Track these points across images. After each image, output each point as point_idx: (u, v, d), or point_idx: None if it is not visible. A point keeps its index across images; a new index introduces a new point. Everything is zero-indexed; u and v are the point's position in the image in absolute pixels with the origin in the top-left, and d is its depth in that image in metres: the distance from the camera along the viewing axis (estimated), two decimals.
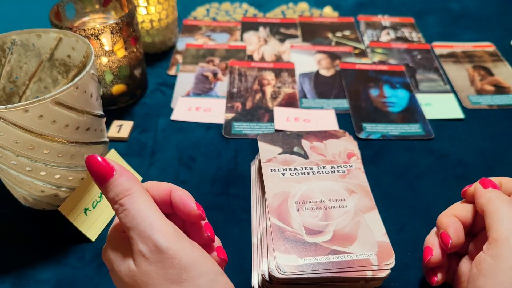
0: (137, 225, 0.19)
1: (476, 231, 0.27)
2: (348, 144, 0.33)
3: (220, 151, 0.39)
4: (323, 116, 0.43)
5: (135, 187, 0.20)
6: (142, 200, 0.20)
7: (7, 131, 0.26)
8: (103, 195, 0.33)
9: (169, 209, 0.22)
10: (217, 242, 0.24)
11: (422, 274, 0.29)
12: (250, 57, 0.52)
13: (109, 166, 0.20)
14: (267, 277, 0.25)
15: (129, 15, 0.39)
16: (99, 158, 0.20)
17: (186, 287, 0.19)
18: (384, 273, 0.25)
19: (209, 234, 0.23)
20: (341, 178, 0.30)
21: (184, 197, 0.22)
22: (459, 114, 0.43)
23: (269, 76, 0.48)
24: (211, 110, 0.43)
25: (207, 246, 0.23)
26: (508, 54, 0.52)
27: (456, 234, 0.25)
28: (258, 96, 0.45)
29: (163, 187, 0.22)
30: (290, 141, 0.33)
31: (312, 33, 0.56)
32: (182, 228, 0.22)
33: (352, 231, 0.27)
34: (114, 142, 0.39)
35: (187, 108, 0.44)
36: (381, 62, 0.51)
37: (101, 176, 0.20)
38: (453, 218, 0.26)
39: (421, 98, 0.45)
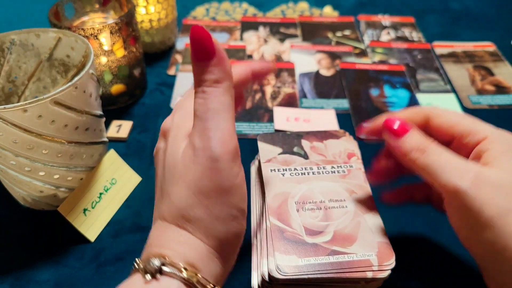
0: (206, 119, 0.18)
1: None
2: (348, 144, 0.33)
3: None
4: (323, 116, 0.42)
5: (225, 84, 0.18)
6: (225, 99, 0.18)
7: (6, 131, 0.26)
8: (102, 195, 0.32)
9: (247, 83, 0.23)
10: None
11: (423, 274, 0.29)
12: (250, 57, 0.51)
13: (212, 47, 0.18)
14: (267, 278, 0.25)
15: (128, 15, 0.39)
16: (206, 32, 0.18)
17: (206, 204, 0.17)
18: (385, 274, 0.25)
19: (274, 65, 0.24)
20: (341, 179, 0.30)
21: (261, 62, 0.23)
22: None
23: (269, 76, 0.48)
24: None
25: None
26: (508, 54, 0.52)
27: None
28: (257, 96, 0.45)
29: (241, 69, 0.23)
30: (290, 141, 0.33)
31: (312, 32, 0.56)
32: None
33: (352, 232, 0.27)
34: (114, 142, 0.39)
35: None
36: (382, 62, 0.51)
37: (200, 52, 0.18)
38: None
39: (421, 98, 0.45)
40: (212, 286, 0.17)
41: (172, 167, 0.19)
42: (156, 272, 0.17)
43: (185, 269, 0.17)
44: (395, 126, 0.23)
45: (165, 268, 0.17)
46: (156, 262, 0.17)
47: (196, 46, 0.18)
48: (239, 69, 0.22)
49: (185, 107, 0.21)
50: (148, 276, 0.17)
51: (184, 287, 0.17)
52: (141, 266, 0.17)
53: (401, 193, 0.28)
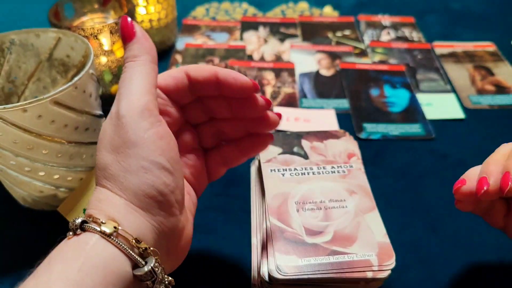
0: (121, 87, 0.20)
1: None
2: (348, 144, 0.33)
3: None
4: (323, 116, 0.42)
5: (143, 57, 0.21)
6: (140, 69, 0.21)
7: (6, 131, 0.26)
8: None
9: (214, 90, 0.23)
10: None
11: (423, 274, 0.29)
12: (250, 57, 0.51)
13: (132, 30, 0.21)
14: (267, 278, 0.25)
15: (128, 15, 0.39)
16: (129, 20, 0.21)
17: (117, 159, 0.19)
18: (385, 274, 0.25)
19: (264, 100, 0.23)
20: (342, 179, 0.30)
21: (232, 72, 0.22)
22: (460, 114, 0.43)
23: (269, 76, 0.48)
24: None
25: (260, 119, 0.24)
26: (509, 54, 0.52)
27: (496, 182, 0.22)
28: None
29: (207, 68, 0.23)
30: (290, 141, 0.33)
31: (312, 32, 0.56)
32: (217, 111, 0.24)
33: (352, 232, 0.27)
34: None
35: None
36: (382, 62, 0.51)
37: (123, 36, 0.21)
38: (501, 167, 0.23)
39: (421, 98, 0.45)
40: (133, 238, 0.18)
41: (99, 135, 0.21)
42: (77, 228, 0.18)
43: (103, 223, 0.18)
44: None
45: (85, 225, 0.18)
46: (78, 220, 0.18)
47: (121, 32, 0.21)
48: (202, 68, 0.23)
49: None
50: (70, 233, 0.18)
51: (103, 240, 0.17)
52: (69, 224, 0.18)
53: (480, 203, 0.26)
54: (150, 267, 0.18)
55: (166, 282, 0.19)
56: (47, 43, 0.33)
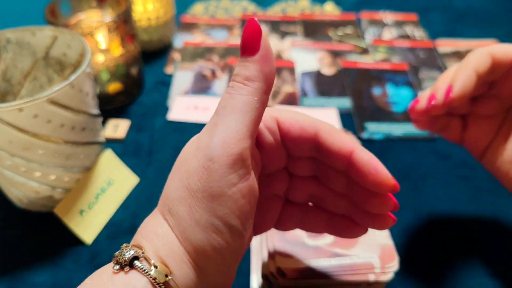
0: (220, 113, 0.17)
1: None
2: None
3: None
4: (324, 115, 0.42)
5: (256, 84, 0.17)
6: (248, 99, 0.16)
7: (1, 131, 0.25)
8: (99, 196, 0.32)
9: (304, 151, 0.19)
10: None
11: (426, 277, 0.29)
12: None
13: (257, 43, 0.16)
14: (267, 281, 0.25)
15: (126, 13, 0.38)
16: (257, 28, 0.17)
17: (190, 203, 0.16)
18: (387, 277, 0.24)
19: (393, 203, 0.19)
20: None
21: (373, 159, 0.18)
22: None
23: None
24: (209, 109, 0.43)
25: (380, 216, 0.19)
26: None
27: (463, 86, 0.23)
28: None
29: (307, 121, 0.19)
30: None
31: (313, 30, 0.55)
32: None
33: None
34: (111, 142, 0.39)
35: (185, 107, 0.43)
36: (384, 61, 0.50)
37: (243, 46, 0.17)
38: (471, 72, 0.23)
39: None
40: None
41: (180, 155, 0.18)
42: (126, 265, 0.16)
43: (156, 266, 0.16)
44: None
45: (136, 263, 0.16)
46: (128, 254, 0.16)
47: (243, 39, 0.17)
48: (338, 139, 0.19)
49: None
50: (116, 267, 0.16)
51: (150, 287, 0.16)
52: (116, 254, 0.16)
53: (437, 119, 0.26)
54: None
55: None
56: (44, 42, 0.32)
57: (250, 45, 0.17)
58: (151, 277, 0.15)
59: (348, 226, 0.21)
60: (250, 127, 0.17)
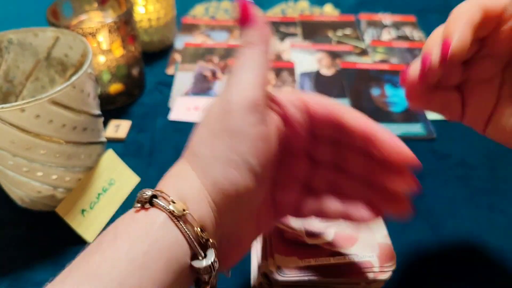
0: (233, 73, 0.19)
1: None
2: None
3: None
4: None
5: (259, 46, 0.19)
6: (254, 58, 0.19)
7: (3, 131, 0.25)
8: (100, 196, 0.32)
9: (328, 131, 0.21)
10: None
11: (424, 276, 0.29)
12: None
13: (251, 14, 0.20)
14: (267, 279, 0.25)
15: (127, 14, 0.39)
16: (251, 7, 0.20)
17: (212, 143, 0.18)
18: (386, 275, 0.25)
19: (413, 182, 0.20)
20: None
21: (393, 136, 0.20)
22: None
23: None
24: None
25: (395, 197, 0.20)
26: None
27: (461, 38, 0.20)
28: None
29: (332, 103, 0.21)
30: None
31: (312, 31, 0.56)
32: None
33: (353, 233, 0.26)
34: (112, 142, 0.39)
35: (186, 107, 0.43)
36: (383, 61, 0.50)
37: (241, 18, 0.20)
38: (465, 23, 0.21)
39: None
40: (198, 225, 0.17)
41: (203, 113, 0.20)
42: (146, 202, 0.17)
43: (174, 202, 0.17)
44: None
45: (156, 200, 0.17)
46: (148, 192, 0.17)
47: (240, 13, 0.20)
48: (356, 116, 0.21)
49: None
50: (138, 205, 0.17)
51: (170, 221, 0.17)
52: (137, 196, 0.18)
53: (434, 94, 0.23)
54: (210, 262, 0.17)
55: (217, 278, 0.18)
56: (45, 42, 0.32)
57: (245, 16, 0.20)
58: (170, 212, 0.17)
59: (364, 212, 0.22)
60: (259, 79, 0.19)
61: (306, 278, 0.24)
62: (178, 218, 0.17)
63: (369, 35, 0.55)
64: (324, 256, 0.25)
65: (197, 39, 0.54)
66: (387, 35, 0.55)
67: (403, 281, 0.28)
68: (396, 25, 0.57)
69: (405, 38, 0.55)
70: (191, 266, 0.17)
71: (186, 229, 0.17)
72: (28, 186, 0.29)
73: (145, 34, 0.49)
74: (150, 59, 0.50)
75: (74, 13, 0.42)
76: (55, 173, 0.29)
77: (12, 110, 0.24)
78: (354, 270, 0.24)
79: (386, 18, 0.59)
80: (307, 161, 0.22)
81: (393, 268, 0.25)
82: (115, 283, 0.15)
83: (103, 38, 0.38)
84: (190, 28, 0.56)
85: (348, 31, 0.56)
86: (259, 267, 0.26)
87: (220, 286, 0.28)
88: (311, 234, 0.26)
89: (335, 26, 0.57)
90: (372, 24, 0.58)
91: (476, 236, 0.31)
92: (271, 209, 0.22)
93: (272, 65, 0.21)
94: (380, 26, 0.57)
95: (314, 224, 0.27)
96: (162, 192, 0.17)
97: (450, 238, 0.31)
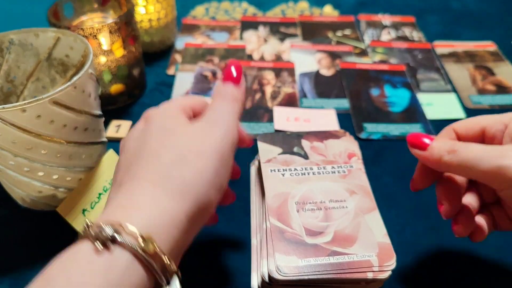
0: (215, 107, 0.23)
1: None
2: (348, 144, 0.33)
3: None
4: (323, 116, 0.42)
5: (230, 102, 0.23)
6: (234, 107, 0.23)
7: (4, 131, 0.25)
8: (101, 196, 0.32)
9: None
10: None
11: (423, 275, 0.29)
12: (250, 57, 0.51)
13: (238, 78, 0.24)
14: (266, 279, 0.25)
15: (127, 14, 0.39)
16: (234, 72, 0.24)
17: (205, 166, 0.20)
18: (385, 275, 0.25)
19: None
20: (342, 179, 0.30)
21: None
22: (461, 114, 0.43)
23: (269, 75, 0.48)
24: None
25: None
26: (509, 53, 0.52)
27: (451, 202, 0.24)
28: (257, 95, 0.45)
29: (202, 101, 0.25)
30: (290, 141, 0.33)
31: (312, 32, 0.56)
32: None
33: (352, 232, 0.27)
34: (113, 142, 0.39)
35: None
36: (382, 62, 0.51)
37: (231, 79, 0.24)
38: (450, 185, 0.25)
39: (422, 97, 0.45)
40: (167, 260, 0.16)
41: (167, 136, 0.20)
42: (107, 241, 0.15)
43: (142, 237, 0.16)
44: (418, 140, 0.24)
45: (118, 237, 0.15)
46: (108, 230, 0.15)
47: (236, 72, 0.24)
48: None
49: (170, 102, 0.24)
50: (100, 247, 0.15)
51: (135, 260, 0.15)
52: (92, 232, 0.16)
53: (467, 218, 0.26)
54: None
55: None
56: (46, 43, 0.33)
57: (237, 78, 0.24)
58: (135, 249, 0.15)
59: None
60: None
61: (305, 277, 0.24)
62: (145, 254, 0.15)
63: (368, 36, 0.55)
64: (324, 255, 0.25)
65: (197, 40, 0.54)
66: (387, 35, 0.56)
67: (403, 281, 0.28)
68: (396, 26, 0.57)
69: (404, 38, 0.55)
70: None
71: (154, 265, 0.16)
72: (29, 186, 0.29)
73: (146, 34, 0.49)
74: (150, 60, 0.50)
75: (75, 13, 0.42)
76: (56, 173, 0.29)
77: (13, 110, 0.25)
78: (353, 270, 0.25)
79: (386, 18, 0.59)
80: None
81: (392, 267, 0.25)
82: None
83: (104, 39, 0.38)
84: (191, 29, 0.56)
85: (347, 31, 0.56)
86: (259, 267, 0.26)
87: (220, 286, 0.28)
88: (311, 234, 0.26)
89: (334, 26, 0.57)
90: (372, 24, 0.58)
91: None
92: None
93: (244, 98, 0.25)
94: (380, 26, 0.57)
95: (314, 224, 0.27)
96: (124, 227, 0.16)
97: (449, 238, 0.31)
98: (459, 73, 0.49)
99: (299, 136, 0.34)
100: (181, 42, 0.53)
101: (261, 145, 0.33)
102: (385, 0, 0.63)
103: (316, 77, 0.48)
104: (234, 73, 0.24)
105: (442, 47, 0.53)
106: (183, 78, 0.47)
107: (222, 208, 0.33)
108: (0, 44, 0.32)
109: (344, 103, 0.44)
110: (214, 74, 0.48)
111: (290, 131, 0.35)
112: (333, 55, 0.51)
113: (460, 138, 0.24)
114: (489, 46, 0.53)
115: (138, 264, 0.16)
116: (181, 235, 0.18)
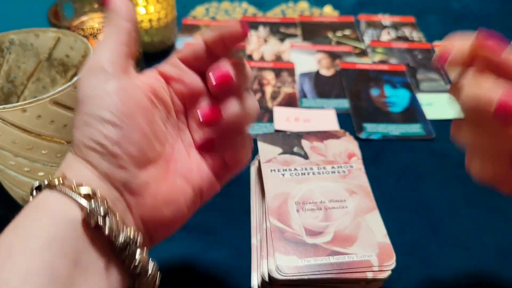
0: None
1: None
2: (348, 144, 0.33)
3: None
4: (323, 116, 0.42)
5: (114, 22, 0.22)
6: (111, 29, 0.22)
7: (5, 132, 0.25)
8: None
9: (209, 59, 0.23)
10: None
11: (423, 275, 0.29)
12: (250, 57, 0.51)
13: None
14: (266, 279, 0.25)
15: None
16: None
17: (74, 117, 0.20)
18: (385, 274, 0.25)
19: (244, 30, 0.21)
20: (342, 179, 0.30)
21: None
22: (460, 114, 0.43)
23: (269, 75, 0.48)
24: None
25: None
26: (509, 54, 0.52)
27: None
28: (257, 96, 0.45)
29: (197, 45, 0.23)
30: (290, 141, 0.33)
31: (312, 32, 0.56)
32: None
33: (352, 232, 0.27)
34: None
35: None
36: (382, 62, 0.51)
37: (103, 2, 0.22)
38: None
39: (422, 98, 0.45)
40: (74, 184, 0.18)
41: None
42: (33, 190, 0.19)
43: (58, 180, 0.19)
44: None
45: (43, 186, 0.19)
46: (36, 183, 0.19)
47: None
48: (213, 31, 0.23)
49: None
50: (30, 197, 0.19)
51: (50, 192, 0.18)
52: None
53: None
54: (94, 205, 0.17)
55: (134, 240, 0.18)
56: (47, 43, 0.33)
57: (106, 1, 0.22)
58: (48, 186, 0.19)
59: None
60: (114, 43, 0.22)
61: (305, 277, 0.24)
62: (56, 186, 0.18)
63: (368, 36, 0.55)
64: (323, 255, 0.25)
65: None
66: (387, 35, 0.56)
67: (403, 281, 0.28)
68: (395, 26, 0.57)
69: (404, 38, 0.55)
70: (86, 223, 0.17)
71: (64, 190, 0.18)
72: (30, 186, 0.29)
73: (146, 34, 0.49)
74: (150, 60, 0.50)
75: (75, 13, 0.42)
76: None
77: (14, 111, 0.25)
78: (353, 270, 0.25)
79: (386, 19, 0.59)
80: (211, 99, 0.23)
81: (392, 267, 0.25)
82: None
83: None
84: (191, 29, 0.56)
85: (347, 31, 0.56)
86: (259, 267, 0.27)
87: (220, 286, 0.28)
88: (311, 234, 0.26)
89: (334, 27, 0.57)
90: (372, 24, 0.58)
91: (475, 236, 0.31)
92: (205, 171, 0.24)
93: (135, 36, 0.23)
94: (380, 26, 0.57)
95: (314, 224, 0.27)
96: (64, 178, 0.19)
97: (449, 238, 0.31)
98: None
99: (299, 136, 0.34)
100: (182, 42, 0.53)
101: (261, 145, 0.33)
102: (385, 0, 0.63)
103: (316, 77, 0.48)
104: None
105: None
106: None
107: (222, 208, 0.33)
108: (1, 44, 0.32)
109: (344, 103, 0.44)
110: None
111: (290, 131, 0.35)
112: (333, 55, 0.51)
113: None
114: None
115: (55, 193, 0.18)
116: (84, 169, 0.19)
